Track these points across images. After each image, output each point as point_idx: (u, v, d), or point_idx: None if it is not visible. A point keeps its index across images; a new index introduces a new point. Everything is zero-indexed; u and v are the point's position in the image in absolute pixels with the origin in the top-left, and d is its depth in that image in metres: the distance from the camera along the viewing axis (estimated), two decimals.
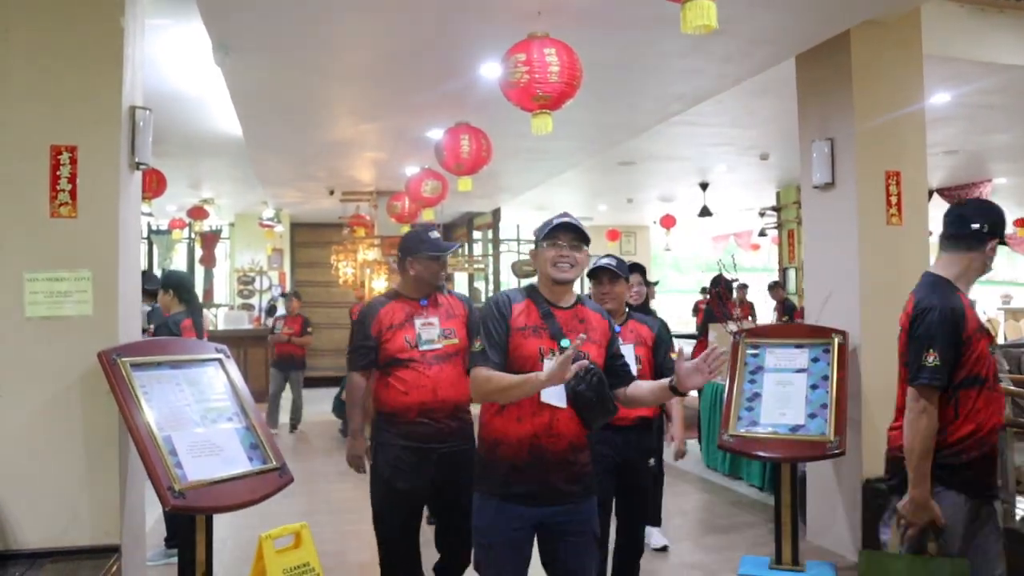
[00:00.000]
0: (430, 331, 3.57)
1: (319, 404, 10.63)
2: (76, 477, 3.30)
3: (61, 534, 3.26)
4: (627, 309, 3.88)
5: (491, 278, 13.09)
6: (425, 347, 3.52)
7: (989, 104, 6.95)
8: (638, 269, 4.39)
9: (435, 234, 3.70)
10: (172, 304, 5.17)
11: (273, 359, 9.73)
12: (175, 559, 3.78)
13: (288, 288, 14.20)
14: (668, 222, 14.15)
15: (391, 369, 3.52)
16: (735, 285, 10.56)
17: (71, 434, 3.30)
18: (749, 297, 11.53)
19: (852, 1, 4.34)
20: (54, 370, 3.30)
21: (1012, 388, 4.64)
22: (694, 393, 7.73)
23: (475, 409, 3.20)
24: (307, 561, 3.72)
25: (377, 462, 3.57)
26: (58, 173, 3.33)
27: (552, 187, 11.20)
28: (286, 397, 9.63)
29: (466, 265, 12.59)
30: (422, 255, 3.59)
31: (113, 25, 3.43)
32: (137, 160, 3.65)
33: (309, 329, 9.71)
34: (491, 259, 12.99)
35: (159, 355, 3.36)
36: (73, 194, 3.35)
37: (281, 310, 13.75)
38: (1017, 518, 3.95)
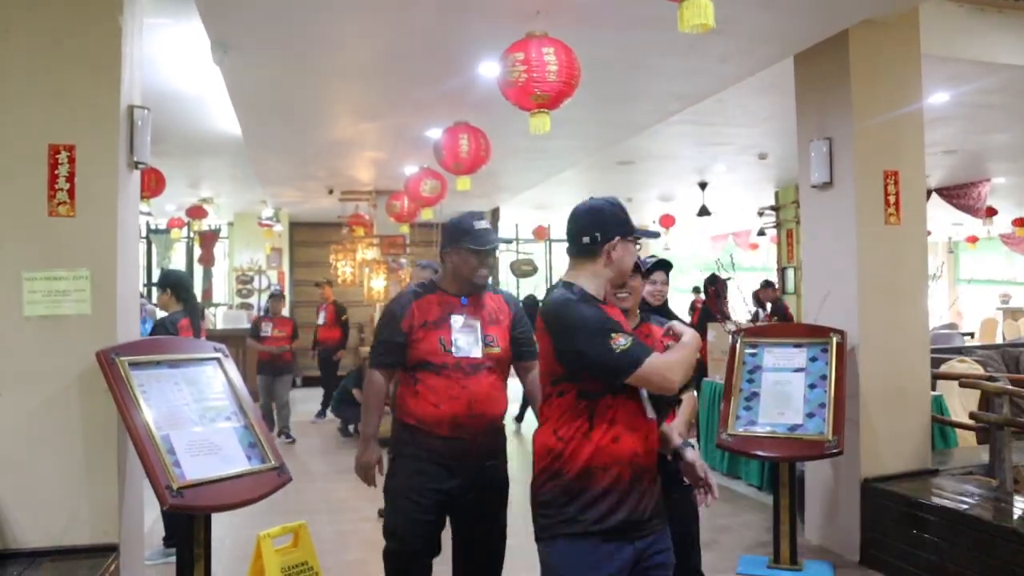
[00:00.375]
0: (468, 336, 3.09)
1: (318, 403, 10.62)
2: (75, 477, 3.30)
3: (60, 533, 3.27)
4: (639, 311, 3.36)
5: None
6: (461, 354, 3.05)
7: (988, 104, 6.95)
8: (664, 266, 3.86)
9: (482, 224, 3.13)
10: (170, 303, 5.16)
11: (260, 364, 8.95)
12: (174, 558, 3.78)
13: (287, 288, 14.19)
14: (667, 221, 14.15)
15: (420, 374, 3.07)
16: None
17: (69, 433, 3.30)
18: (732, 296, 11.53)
19: (851, 1, 4.34)
20: (52, 369, 3.30)
21: (1010, 387, 4.64)
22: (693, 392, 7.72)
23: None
24: (305, 560, 3.73)
25: (396, 475, 3.15)
26: (56, 172, 3.33)
27: (551, 186, 11.20)
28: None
29: None
30: (462, 247, 3.09)
31: (111, 24, 3.43)
32: (135, 159, 3.65)
33: (297, 332, 9.30)
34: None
35: (157, 354, 3.36)
36: (71, 193, 3.35)
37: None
38: (1015, 517, 3.95)
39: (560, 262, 17.29)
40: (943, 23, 5.23)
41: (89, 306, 3.35)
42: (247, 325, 12.51)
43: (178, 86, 6.35)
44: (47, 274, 3.32)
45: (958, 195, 11.64)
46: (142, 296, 10.65)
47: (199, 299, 10.56)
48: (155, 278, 13.04)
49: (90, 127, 3.40)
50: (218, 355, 3.54)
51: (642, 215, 15.45)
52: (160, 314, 5.51)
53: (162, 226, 13.94)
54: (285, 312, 9.67)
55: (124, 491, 3.42)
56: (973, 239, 18.09)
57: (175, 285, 5.21)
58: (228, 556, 4.83)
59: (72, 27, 3.38)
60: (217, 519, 3.34)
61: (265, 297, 13.96)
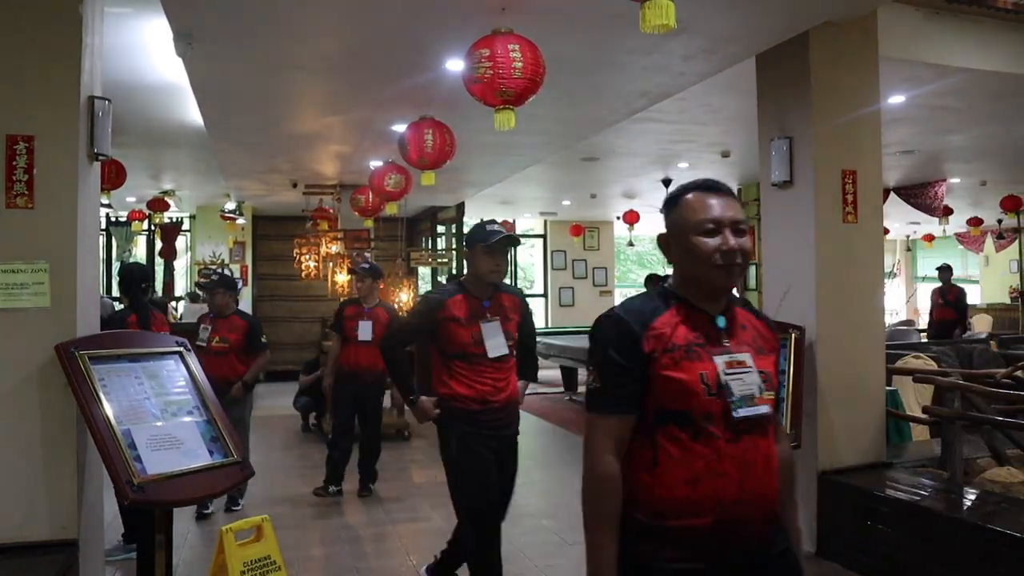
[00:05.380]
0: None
1: (281, 398, 10.55)
2: (33, 471, 3.27)
3: (17, 529, 3.23)
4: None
5: (455, 272, 13.09)
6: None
7: (943, 106, 7.10)
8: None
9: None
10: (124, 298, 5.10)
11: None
12: (135, 554, 3.76)
13: (249, 281, 14.01)
14: (631, 217, 14.24)
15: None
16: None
17: (28, 428, 3.26)
18: None
19: (811, 3, 4.41)
20: (10, 363, 3.27)
21: (961, 383, 4.76)
22: None
23: None
24: (268, 554, 3.72)
25: None
26: (14, 163, 3.29)
27: (516, 182, 11.23)
28: None
29: (429, 260, 12.58)
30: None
31: (72, 13, 3.39)
32: (96, 151, 3.61)
33: (263, 339, 5.91)
34: (455, 253, 12.99)
35: (117, 348, 3.33)
36: (30, 185, 3.31)
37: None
38: (964, 508, 4.06)
39: (524, 256, 17.32)
40: (900, 26, 5.33)
41: (48, 299, 3.32)
42: None
43: (140, 76, 6.26)
44: (5, 267, 3.28)
45: (916, 195, 11.87)
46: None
47: (161, 293, 10.30)
48: (115, 271, 12.81)
49: (50, 118, 3.36)
50: (180, 349, 3.53)
51: (606, 210, 15.55)
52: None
53: (123, 218, 13.70)
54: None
55: (84, 486, 3.39)
56: (929, 238, 18.44)
57: (121, 279, 5.13)
58: (190, 551, 4.79)
59: (32, 15, 3.33)
60: (179, 513, 3.32)
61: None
